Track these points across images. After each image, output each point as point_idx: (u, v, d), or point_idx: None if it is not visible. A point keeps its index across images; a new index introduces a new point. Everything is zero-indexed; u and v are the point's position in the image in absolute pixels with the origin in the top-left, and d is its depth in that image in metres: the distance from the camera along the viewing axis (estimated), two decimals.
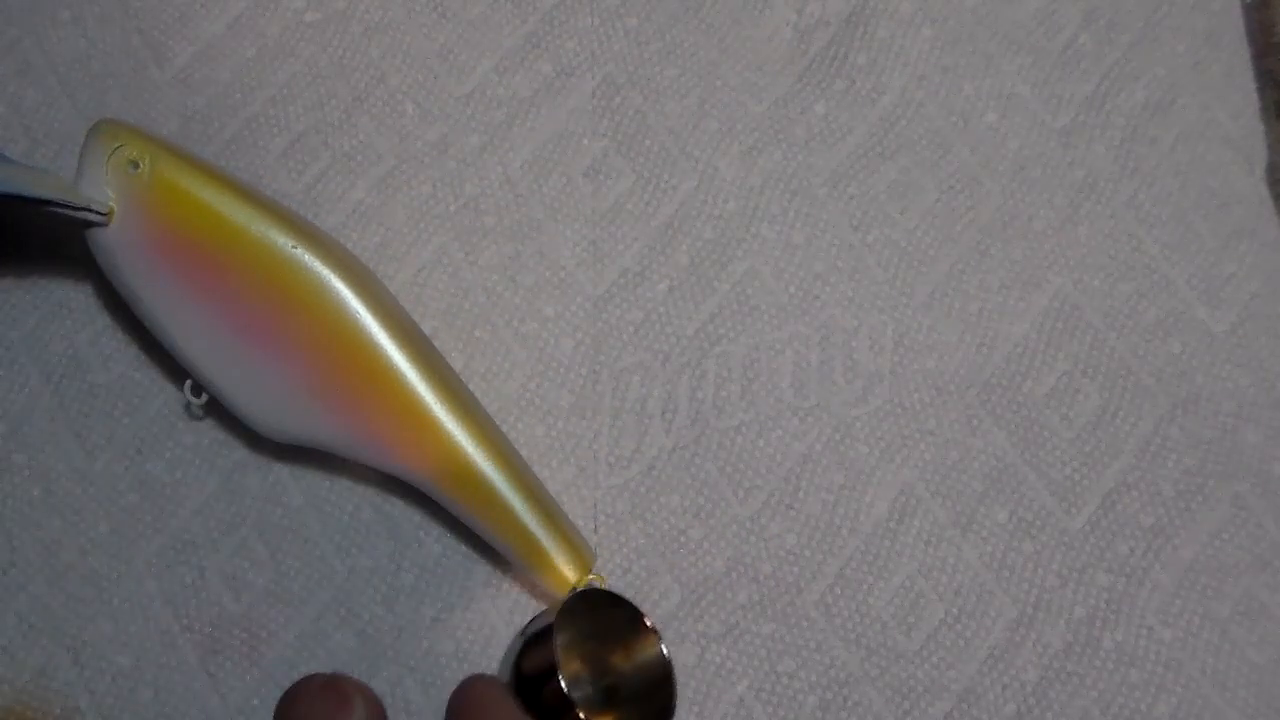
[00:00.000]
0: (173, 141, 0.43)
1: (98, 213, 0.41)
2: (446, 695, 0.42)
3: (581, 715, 0.36)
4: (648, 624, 0.40)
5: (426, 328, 0.47)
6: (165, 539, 0.44)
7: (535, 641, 0.38)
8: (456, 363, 0.46)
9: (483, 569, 0.45)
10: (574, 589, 0.42)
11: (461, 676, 0.43)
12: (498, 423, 0.45)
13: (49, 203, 0.40)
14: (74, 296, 0.47)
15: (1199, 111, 0.51)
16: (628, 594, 0.45)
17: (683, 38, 0.51)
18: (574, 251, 0.48)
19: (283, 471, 0.45)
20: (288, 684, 0.43)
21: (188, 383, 0.43)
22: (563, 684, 0.36)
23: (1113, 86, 0.51)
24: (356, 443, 0.42)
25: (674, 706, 0.39)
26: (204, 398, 0.43)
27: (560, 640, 0.38)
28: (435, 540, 0.45)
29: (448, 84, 0.50)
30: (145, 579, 0.44)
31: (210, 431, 0.45)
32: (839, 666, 0.44)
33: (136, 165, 0.42)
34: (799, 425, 0.47)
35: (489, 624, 0.44)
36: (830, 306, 0.48)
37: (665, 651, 0.39)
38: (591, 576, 0.43)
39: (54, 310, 0.46)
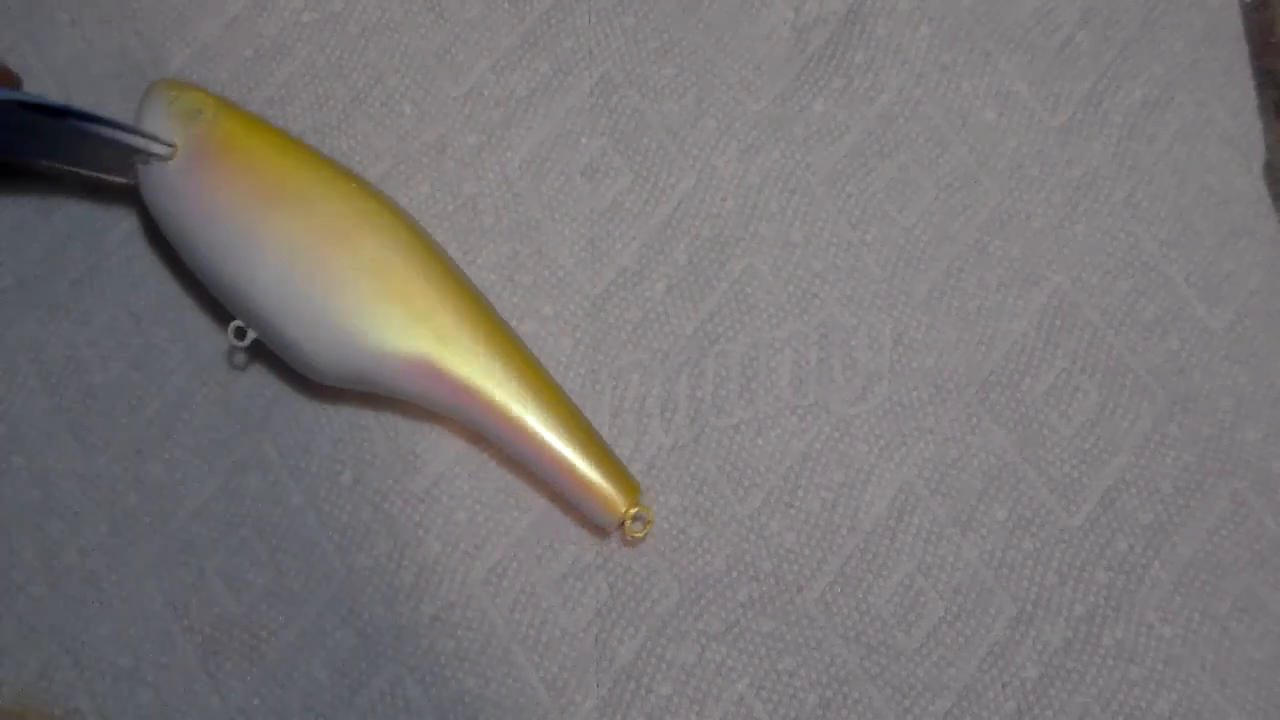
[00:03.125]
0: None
1: (165, 144, 0.42)
2: (447, 694, 0.43)
3: None
4: None
5: None
6: (165, 540, 0.45)
7: None
8: None
9: (481, 567, 0.45)
10: (624, 518, 0.43)
11: (461, 675, 0.43)
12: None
13: (121, 127, 0.41)
14: (73, 298, 0.47)
15: (1197, 109, 0.51)
16: (627, 592, 0.45)
17: (680, 36, 0.51)
18: (572, 251, 0.48)
19: (282, 471, 0.45)
20: (288, 684, 0.43)
21: (232, 325, 0.43)
22: None
23: (1111, 84, 0.51)
24: (409, 379, 0.43)
25: None
26: (248, 340, 0.43)
27: None
28: (434, 538, 0.45)
29: (445, 84, 0.50)
30: (145, 580, 0.44)
31: (211, 433, 0.46)
32: (839, 664, 0.44)
33: (200, 112, 0.43)
34: (798, 423, 0.47)
35: (488, 622, 0.44)
36: (829, 305, 0.48)
37: None
38: (638, 509, 0.43)
39: (53, 311, 0.46)
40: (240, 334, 0.43)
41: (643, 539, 0.45)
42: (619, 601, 0.45)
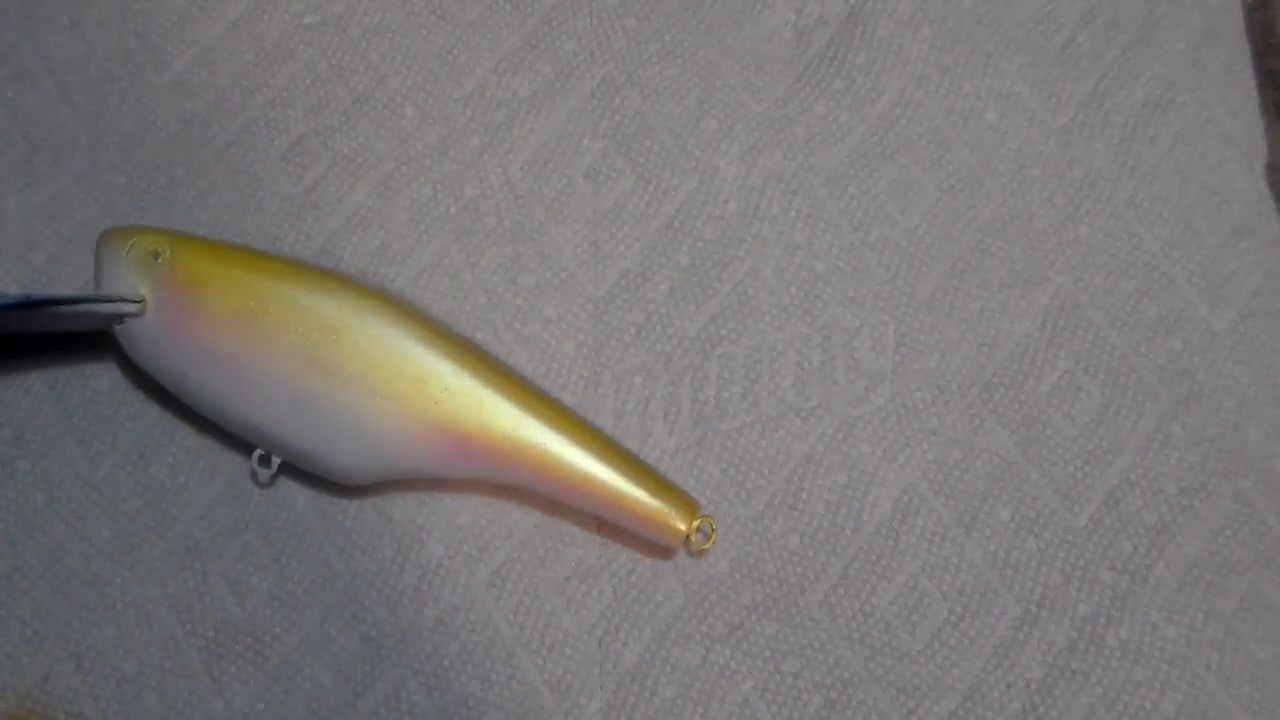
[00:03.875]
0: (180, 230, 0.44)
1: (133, 300, 0.41)
2: (451, 697, 0.43)
3: None
4: None
5: None
6: (168, 544, 0.44)
7: None
8: None
9: (485, 570, 0.45)
10: (686, 536, 0.43)
11: (465, 678, 0.43)
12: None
13: (84, 300, 0.41)
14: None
15: (1198, 110, 0.51)
16: (631, 595, 0.45)
17: (682, 38, 0.51)
18: (575, 253, 0.48)
19: (285, 475, 0.45)
20: (292, 688, 0.43)
21: (255, 455, 0.43)
22: None
23: (1112, 85, 0.51)
24: (445, 460, 0.42)
25: None
26: (275, 466, 0.43)
27: None
28: (438, 541, 0.45)
29: (447, 86, 0.50)
30: (149, 584, 0.44)
31: (213, 436, 0.45)
32: (843, 666, 0.44)
33: (157, 255, 0.42)
34: (801, 425, 0.47)
35: (492, 625, 0.44)
36: (832, 306, 0.48)
37: None
38: (699, 521, 0.43)
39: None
40: (265, 462, 0.43)
41: (710, 549, 0.45)
42: (623, 604, 0.45)
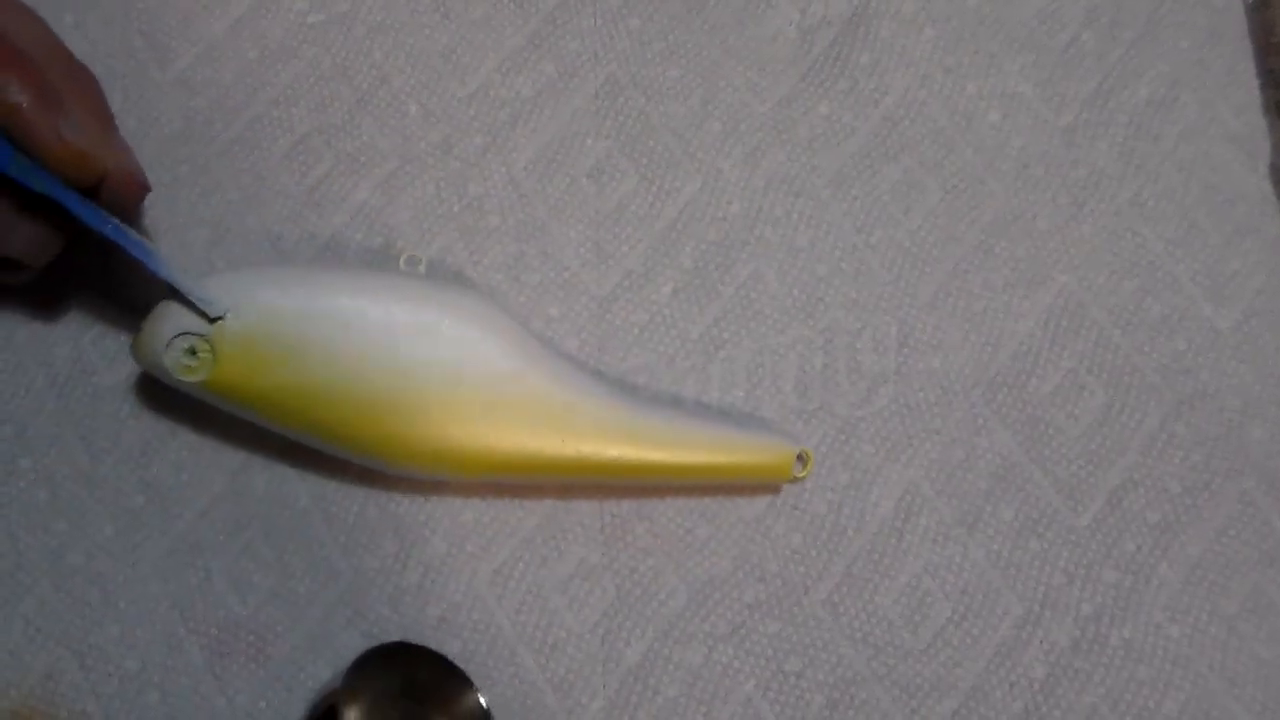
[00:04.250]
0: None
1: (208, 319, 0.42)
2: None
3: None
4: (461, 672, 0.38)
5: None
6: (171, 541, 0.44)
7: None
8: None
9: (487, 568, 0.45)
10: (794, 478, 0.45)
11: (467, 676, 0.43)
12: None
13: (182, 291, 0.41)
14: (78, 299, 0.46)
15: (1202, 109, 0.51)
16: (634, 594, 0.45)
17: (685, 38, 0.51)
18: (578, 252, 0.48)
19: (288, 473, 0.45)
20: (295, 685, 0.43)
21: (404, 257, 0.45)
22: None
23: (1115, 84, 0.51)
24: (537, 471, 0.44)
25: None
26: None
27: (363, 704, 0.35)
28: (440, 539, 0.45)
29: (451, 85, 0.50)
30: (151, 582, 0.44)
31: (215, 434, 0.45)
32: (846, 665, 0.44)
33: (195, 352, 0.42)
34: (804, 427, 0.47)
35: (495, 624, 0.44)
36: (834, 307, 0.48)
37: (484, 702, 0.38)
38: (798, 457, 0.45)
39: (58, 312, 0.46)
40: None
41: (809, 472, 0.46)
42: (626, 603, 0.45)
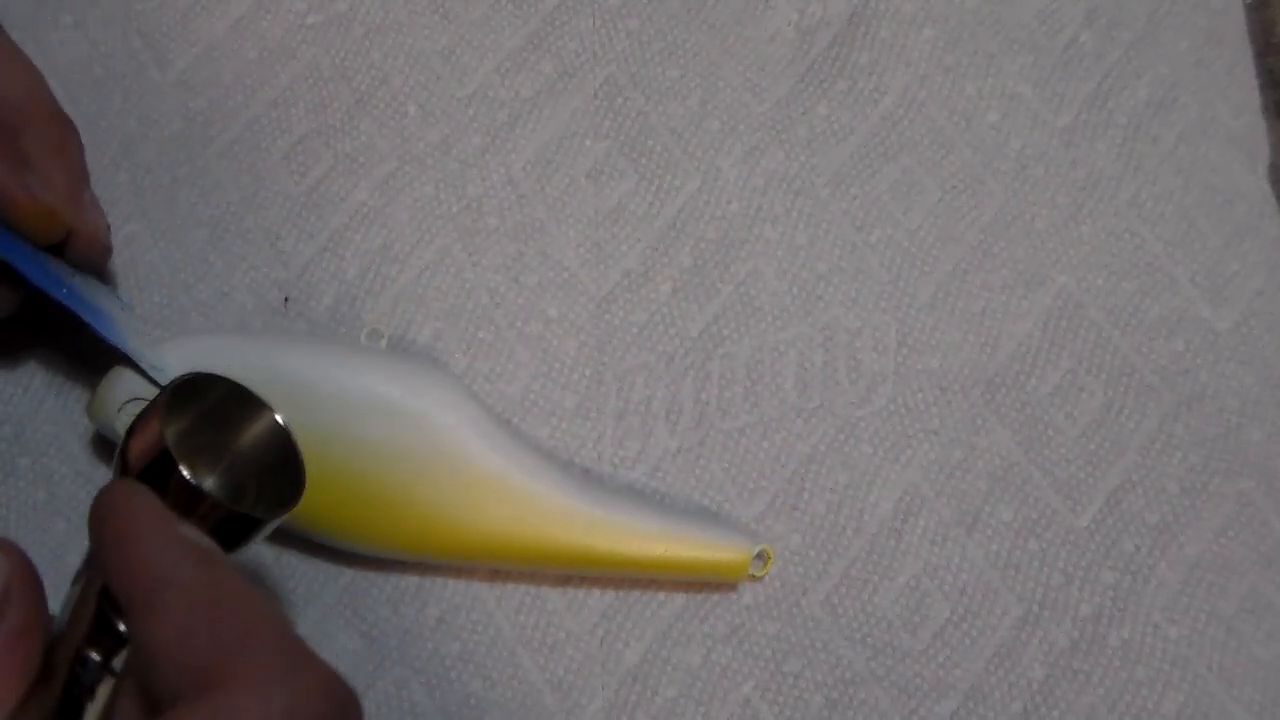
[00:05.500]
0: None
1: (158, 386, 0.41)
2: (452, 697, 0.43)
3: (216, 503, 0.32)
4: (255, 396, 0.36)
5: (429, 330, 0.47)
6: None
7: (138, 434, 0.33)
8: (459, 365, 0.46)
9: (486, 569, 0.45)
10: (753, 577, 0.44)
11: (466, 678, 0.43)
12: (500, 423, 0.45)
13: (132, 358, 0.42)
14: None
15: (1201, 109, 0.51)
16: (633, 594, 0.45)
17: (684, 38, 0.51)
18: (577, 252, 0.48)
19: None
20: None
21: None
22: (185, 473, 0.32)
23: (1115, 85, 0.51)
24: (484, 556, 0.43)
25: (304, 474, 0.35)
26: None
27: (177, 426, 0.33)
28: None
29: (450, 85, 0.50)
30: None
31: None
32: (845, 666, 0.44)
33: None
34: (803, 426, 0.47)
35: (494, 624, 0.44)
36: (834, 307, 0.48)
37: (280, 419, 0.36)
38: (757, 555, 0.44)
39: (58, 311, 0.46)
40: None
41: (766, 573, 0.45)
42: (624, 604, 0.45)
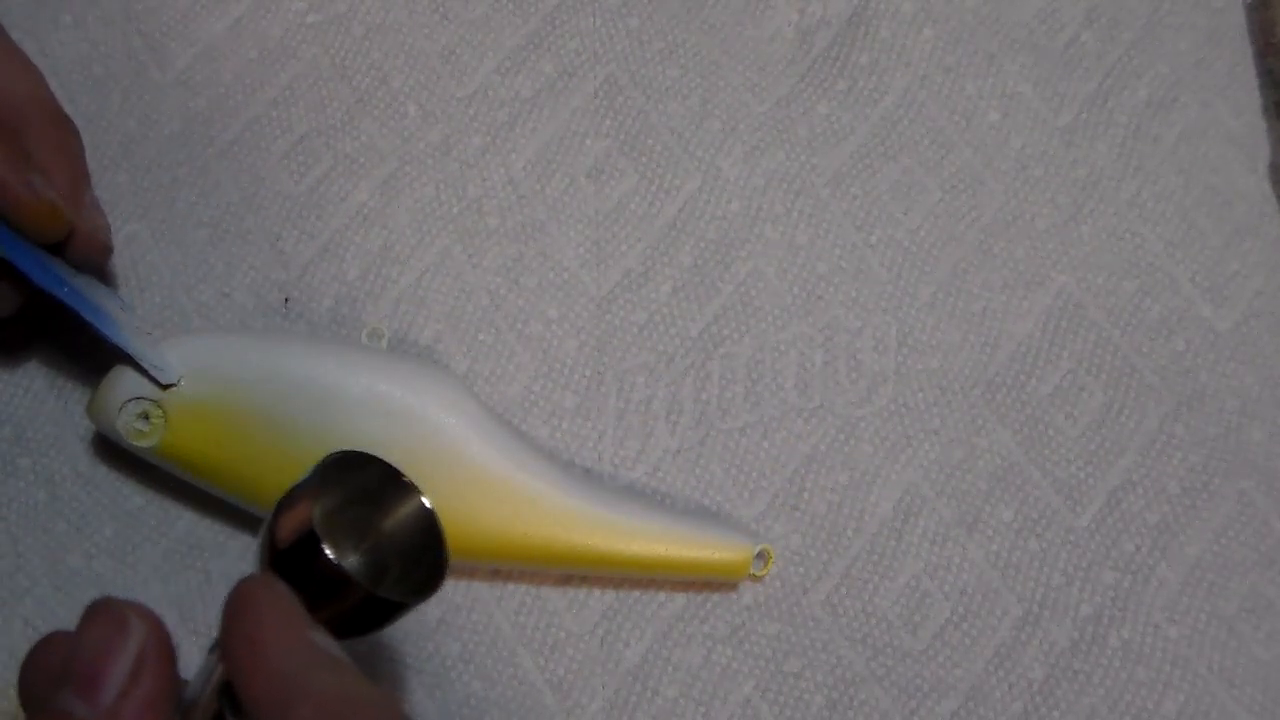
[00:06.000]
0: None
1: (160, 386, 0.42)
2: (453, 697, 0.43)
3: (356, 586, 0.32)
4: (404, 479, 0.36)
5: (429, 331, 0.47)
6: (171, 542, 0.44)
7: (287, 511, 0.33)
8: (460, 365, 0.46)
9: (487, 569, 0.45)
10: (754, 576, 0.44)
11: (466, 678, 0.43)
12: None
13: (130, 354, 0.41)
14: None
15: (1201, 109, 0.51)
16: (633, 594, 0.45)
17: (685, 38, 0.51)
18: (577, 252, 0.48)
19: None
20: None
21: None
22: (329, 552, 0.32)
23: (1115, 85, 0.51)
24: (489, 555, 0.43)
25: (446, 560, 0.35)
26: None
27: (324, 506, 0.34)
28: None
29: (450, 85, 0.50)
30: (151, 583, 0.44)
31: None
32: (845, 666, 0.44)
33: (147, 417, 0.42)
34: (803, 426, 0.47)
35: (494, 625, 0.44)
36: (834, 307, 0.48)
37: (427, 503, 0.36)
38: (758, 555, 0.44)
39: (58, 311, 0.46)
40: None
41: (767, 573, 0.45)
42: (625, 604, 0.45)
